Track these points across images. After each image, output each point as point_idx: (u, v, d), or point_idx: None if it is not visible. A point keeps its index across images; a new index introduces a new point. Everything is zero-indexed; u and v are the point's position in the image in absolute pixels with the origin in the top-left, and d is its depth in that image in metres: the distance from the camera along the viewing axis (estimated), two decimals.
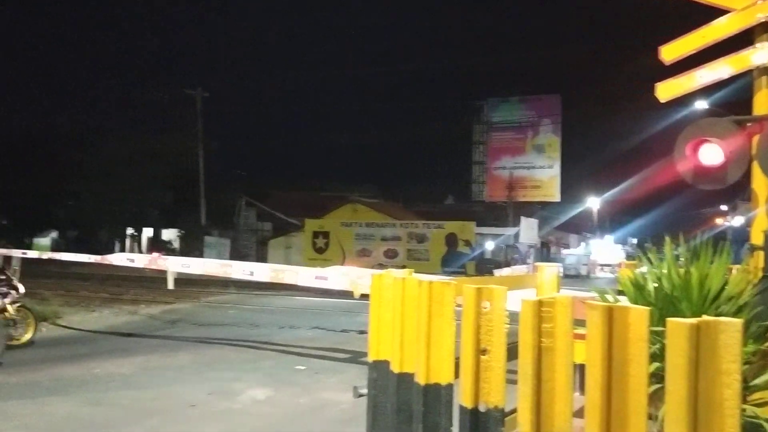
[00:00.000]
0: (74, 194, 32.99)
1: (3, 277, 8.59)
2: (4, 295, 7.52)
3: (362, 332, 10.34)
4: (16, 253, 11.47)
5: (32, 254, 12.27)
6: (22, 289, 8.76)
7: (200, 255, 26.87)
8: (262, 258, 29.99)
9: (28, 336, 8.71)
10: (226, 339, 9.80)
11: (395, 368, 2.81)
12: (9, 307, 7.94)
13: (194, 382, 6.98)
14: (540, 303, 2.02)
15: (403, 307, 2.81)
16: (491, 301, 2.26)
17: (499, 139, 37.74)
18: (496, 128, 37.87)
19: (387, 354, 2.89)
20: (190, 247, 31.11)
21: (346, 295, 10.39)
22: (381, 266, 23.35)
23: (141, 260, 10.84)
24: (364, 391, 3.06)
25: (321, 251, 29.46)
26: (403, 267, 3.50)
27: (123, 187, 32.57)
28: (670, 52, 4.77)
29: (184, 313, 13.06)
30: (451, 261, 26.59)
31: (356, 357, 8.22)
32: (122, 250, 31.93)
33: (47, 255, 12.88)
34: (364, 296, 3.70)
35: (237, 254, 29.61)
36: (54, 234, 37.80)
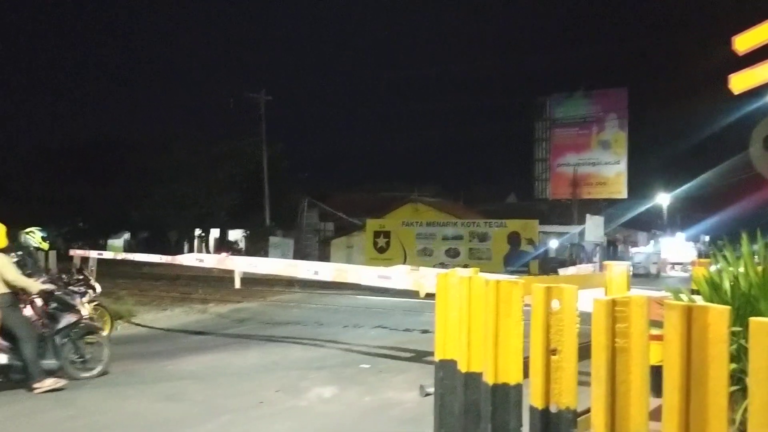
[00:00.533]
0: (146, 197, 34.21)
1: (81, 276, 8.97)
2: (82, 294, 7.84)
3: (425, 331, 10.33)
4: (93, 254, 12.00)
5: (107, 255, 12.83)
6: (98, 288, 9.13)
7: (265, 255, 27.42)
8: (324, 258, 30.34)
9: (104, 334, 9.08)
10: (291, 337, 9.97)
11: (462, 368, 2.79)
12: (87, 306, 8.29)
13: (262, 380, 7.13)
14: (614, 302, 1.98)
15: (470, 307, 2.80)
16: (561, 300, 2.22)
17: (562, 136, 36.99)
18: (560, 124, 37.13)
19: (454, 353, 2.88)
20: (256, 247, 31.79)
21: (408, 294, 10.41)
22: (442, 265, 23.24)
23: (210, 260, 11.16)
24: (431, 390, 3.05)
25: (382, 251, 29.56)
26: (465, 266, 3.48)
27: (192, 190, 33.59)
28: (744, 42, 4.58)
29: (251, 312, 13.37)
30: (514, 260, 26.25)
31: (420, 356, 8.22)
32: (191, 250, 32.89)
33: (121, 256, 13.40)
34: (430, 296, 3.69)
35: (300, 254, 30.06)
36: (127, 235, 39.35)
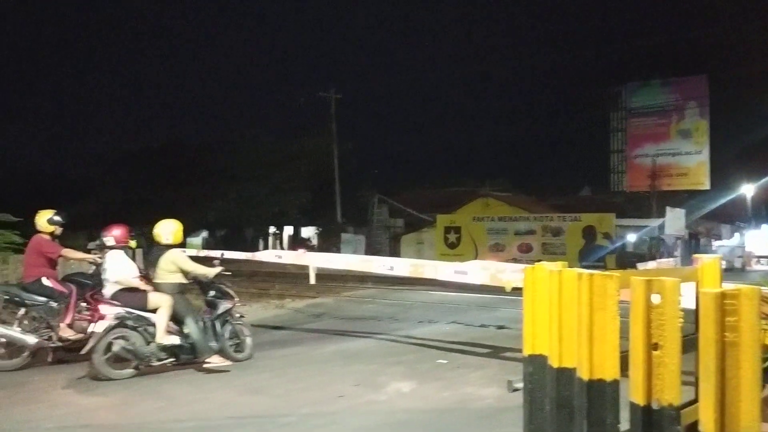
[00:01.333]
0: (221, 197, 35.25)
1: None
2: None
3: (501, 327, 10.22)
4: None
5: (189, 252, 13.25)
6: None
7: (337, 251, 27.78)
8: (394, 254, 30.44)
9: None
10: (367, 332, 10.05)
11: (554, 363, 2.73)
12: None
13: (340, 374, 7.21)
14: (723, 295, 1.88)
15: (561, 301, 2.73)
16: (663, 294, 2.14)
17: (639, 126, 35.74)
18: (636, 114, 35.88)
19: (543, 348, 2.82)
20: (328, 244, 32.26)
21: (483, 289, 10.32)
22: (515, 261, 22.89)
23: (288, 256, 11.40)
24: (519, 385, 3.00)
25: (453, 246, 29.38)
26: (539, 261, 3.40)
27: (265, 189, 34.40)
28: None
29: (326, 307, 13.56)
30: (589, 254, 25.54)
31: (497, 352, 8.12)
32: (266, 247, 33.65)
33: (203, 253, 13.83)
34: (516, 290, 3.63)
35: (371, 250, 30.28)
36: (205, 233, 40.67)
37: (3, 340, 7.43)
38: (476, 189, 34.69)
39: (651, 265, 15.64)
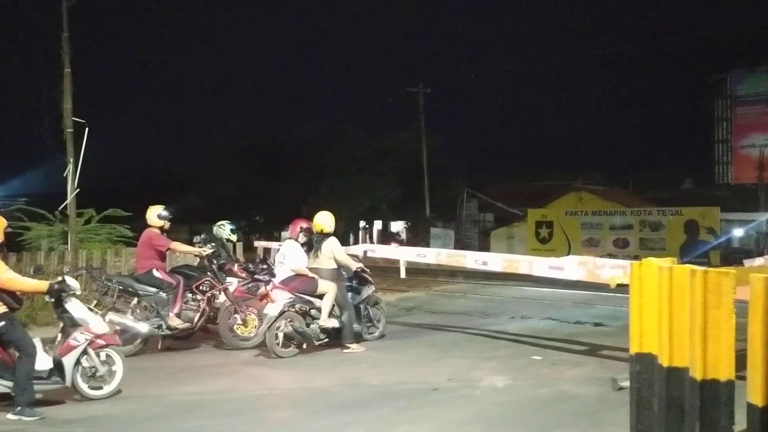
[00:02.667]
0: (314, 192, 36.08)
1: (264, 266, 9.68)
2: (267, 283, 8.48)
3: (598, 324, 9.96)
4: (274, 245, 12.89)
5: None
6: None
7: (426, 246, 27.77)
8: (484, 248, 30.09)
9: None
10: (459, 327, 10.05)
11: (663, 362, 2.66)
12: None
13: (434, 367, 7.27)
14: None
15: (671, 298, 2.65)
16: None
17: (746, 115, 33.64)
18: (743, 102, 33.79)
19: (652, 347, 2.75)
20: (417, 238, 32.33)
21: (578, 285, 10.08)
22: (611, 256, 22.13)
23: (381, 251, 11.56)
24: (625, 384, 2.94)
25: (544, 241, 28.76)
26: (636, 257, 3.30)
27: (357, 184, 34.89)
28: None
29: (418, 301, 13.65)
30: (691, 250, 24.32)
31: (594, 350, 7.92)
32: (356, 241, 34.17)
33: None
34: (621, 286, 3.55)
35: (460, 245, 30.09)
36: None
37: (117, 328, 7.97)
38: (569, 182, 33.75)
39: (759, 261, 14.72)
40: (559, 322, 10.41)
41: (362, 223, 38.75)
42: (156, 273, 8.28)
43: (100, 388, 6.06)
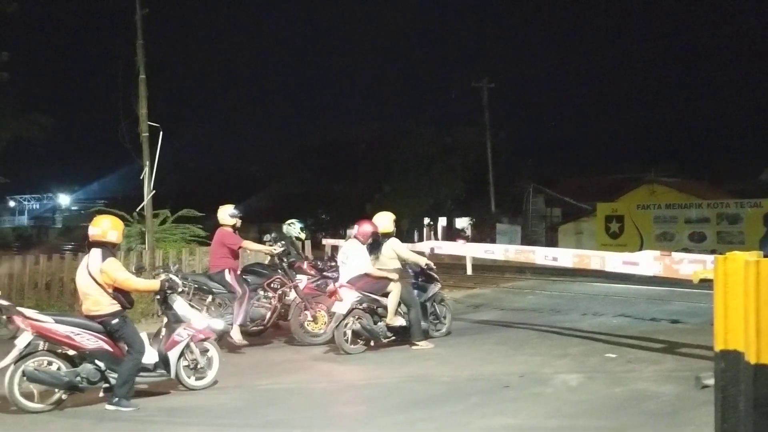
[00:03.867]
0: (379, 190, 36.28)
1: (333, 264, 9.81)
2: (336, 280, 8.60)
3: (675, 321, 9.63)
4: (342, 243, 13.02)
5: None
6: None
7: (492, 242, 27.50)
8: (552, 244, 29.57)
9: None
10: (528, 324, 9.91)
11: (751, 359, 2.56)
12: None
13: (504, 365, 7.20)
14: None
15: (758, 292, 2.55)
16: None
17: None
18: None
19: (738, 343, 2.65)
20: (482, 235, 32.03)
21: (652, 281, 9.79)
22: (686, 251, 21.35)
23: (447, 247, 11.54)
24: (709, 382, 2.85)
25: (615, 236, 27.99)
26: (713, 251, 3.17)
27: (421, 181, 34.88)
28: None
29: (485, 298, 13.54)
30: None
31: (672, 347, 7.66)
32: (420, 239, 34.17)
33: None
34: (704, 282, 3.43)
35: (527, 241, 29.66)
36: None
37: None
38: (640, 175, 32.74)
39: None
40: (633, 319, 10.13)
41: (426, 220, 38.70)
42: (227, 276, 8.47)
43: (201, 379, 6.45)
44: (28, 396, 5.66)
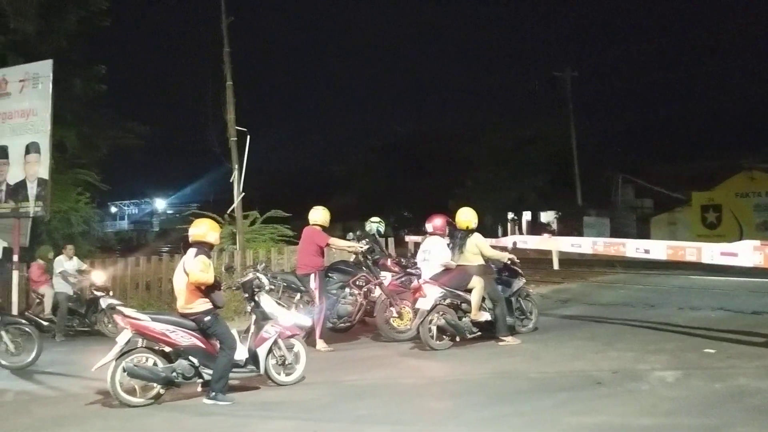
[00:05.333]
0: (460, 184, 36.05)
1: (415, 260, 9.84)
2: (419, 276, 8.62)
3: None
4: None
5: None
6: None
7: (579, 236, 26.79)
8: (643, 236, 28.42)
9: None
10: (620, 319, 9.60)
11: None
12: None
13: (595, 360, 7.02)
14: None
15: None
16: None
17: None
18: None
19: None
20: (569, 228, 31.21)
21: (754, 273, 9.25)
22: None
23: (533, 241, 11.36)
24: None
25: (712, 227, 26.66)
26: None
27: (503, 174, 34.40)
28: None
29: (573, 293, 13.20)
30: None
31: None
32: (504, 234, 33.71)
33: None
34: None
35: (617, 233, 28.68)
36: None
37: None
38: (738, 161, 30.97)
39: None
40: (732, 312, 9.64)
41: (510, 215, 38.12)
42: (312, 282, 8.60)
43: (289, 374, 6.67)
44: (130, 391, 6.01)
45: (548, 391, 5.98)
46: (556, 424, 5.04)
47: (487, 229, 35.09)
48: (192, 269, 6.11)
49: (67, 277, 11.37)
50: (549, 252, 15.89)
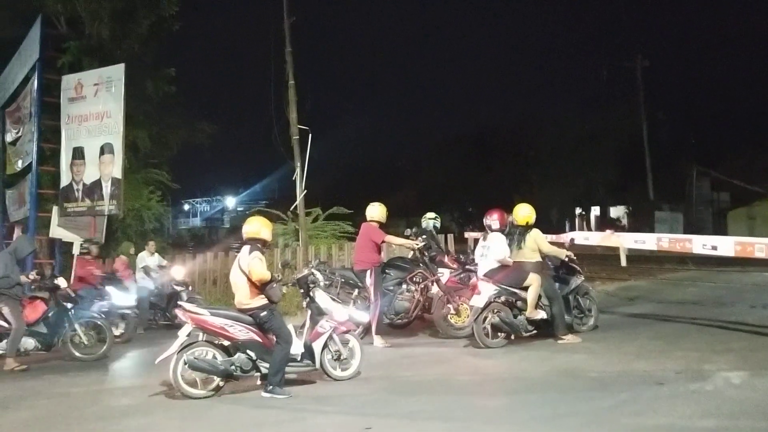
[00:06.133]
0: (525, 179, 35.49)
1: (473, 257, 9.77)
2: (474, 273, 8.53)
3: None
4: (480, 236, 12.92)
5: None
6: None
7: (650, 231, 25.92)
8: (720, 231, 27.35)
9: None
10: (688, 317, 9.27)
11: None
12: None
13: (659, 360, 6.81)
14: None
15: None
16: None
17: None
18: None
19: None
20: (640, 224, 30.24)
21: None
22: None
23: (595, 237, 11.06)
24: None
25: None
26: None
27: (570, 169, 33.62)
28: None
29: (640, 290, 12.80)
30: None
31: None
32: (572, 229, 32.99)
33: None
34: None
35: (691, 228, 27.60)
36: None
37: None
38: None
39: None
40: None
41: (578, 210, 37.25)
42: (368, 279, 8.64)
43: (345, 369, 6.76)
44: (191, 383, 6.23)
45: (607, 390, 5.83)
46: (613, 425, 4.92)
47: (553, 224, 34.43)
48: (250, 266, 6.27)
49: (149, 272, 11.80)
50: (617, 248, 15.46)
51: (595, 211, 37.78)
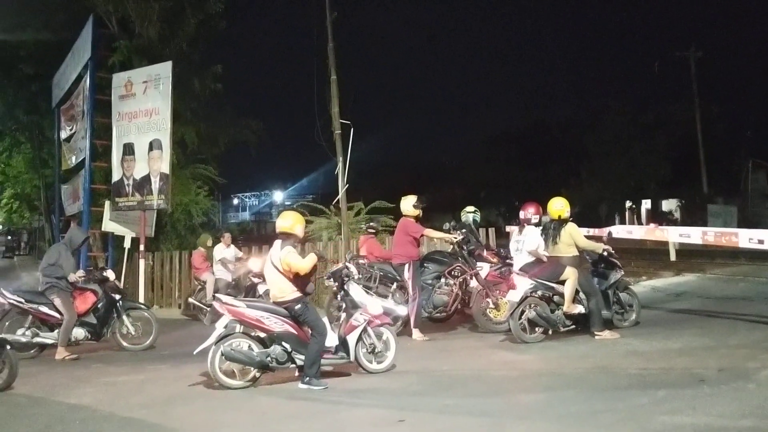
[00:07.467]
0: (575, 174, 34.91)
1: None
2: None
3: None
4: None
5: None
6: None
7: (703, 225, 25.18)
8: None
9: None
10: (736, 313, 8.98)
11: None
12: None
13: (702, 357, 6.64)
14: None
15: None
16: None
17: None
18: None
19: None
20: (693, 218, 29.43)
21: None
22: None
23: (638, 231, 10.83)
24: None
25: None
26: None
27: (621, 163, 32.93)
28: None
29: (688, 286, 12.46)
30: None
31: None
32: (621, 223, 32.29)
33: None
34: None
35: (746, 223, 26.69)
36: None
37: None
38: None
39: None
40: None
41: (628, 203, 36.43)
42: (407, 272, 8.68)
43: (380, 362, 6.83)
44: (229, 374, 6.39)
45: (646, 388, 5.71)
46: (650, 423, 4.82)
47: (602, 219, 33.76)
48: (289, 260, 6.36)
49: (227, 264, 11.98)
50: (666, 243, 15.06)
51: (646, 204, 36.89)
